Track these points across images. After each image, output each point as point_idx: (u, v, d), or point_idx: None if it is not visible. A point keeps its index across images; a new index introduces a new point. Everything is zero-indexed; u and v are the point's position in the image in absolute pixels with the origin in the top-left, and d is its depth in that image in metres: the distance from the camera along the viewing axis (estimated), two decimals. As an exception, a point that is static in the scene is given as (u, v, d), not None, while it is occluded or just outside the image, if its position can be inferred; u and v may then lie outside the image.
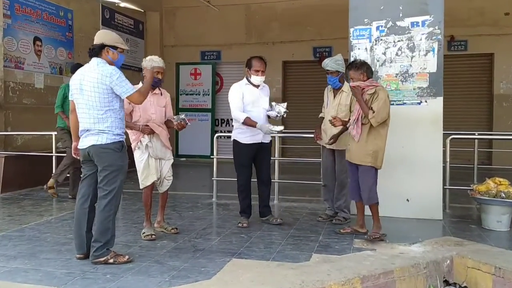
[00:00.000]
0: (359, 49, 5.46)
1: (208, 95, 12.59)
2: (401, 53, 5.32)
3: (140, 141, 4.41)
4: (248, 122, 4.82)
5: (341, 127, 4.80)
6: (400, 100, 5.34)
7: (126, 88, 3.63)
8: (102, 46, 3.67)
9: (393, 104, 5.28)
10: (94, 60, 3.68)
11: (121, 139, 3.70)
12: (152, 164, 4.44)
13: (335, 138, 4.94)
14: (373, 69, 5.31)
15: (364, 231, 4.55)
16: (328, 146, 5.10)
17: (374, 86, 4.42)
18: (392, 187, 5.18)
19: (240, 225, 4.92)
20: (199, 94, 12.68)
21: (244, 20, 12.23)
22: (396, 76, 5.35)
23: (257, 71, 4.92)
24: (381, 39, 5.38)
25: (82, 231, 3.72)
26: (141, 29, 12.25)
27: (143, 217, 4.63)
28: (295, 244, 4.27)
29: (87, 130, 3.66)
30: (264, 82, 5.08)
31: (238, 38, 12.18)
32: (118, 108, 3.68)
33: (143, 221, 4.62)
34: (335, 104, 5.06)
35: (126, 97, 3.66)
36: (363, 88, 4.41)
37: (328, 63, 4.98)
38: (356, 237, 4.45)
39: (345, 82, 5.06)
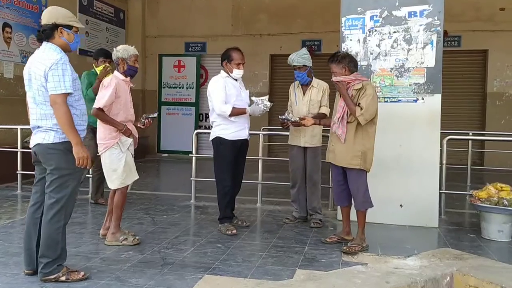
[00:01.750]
0: (351, 40, 5.00)
1: (192, 88, 12.07)
2: (397, 45, 4.88)
3: (121, 141, 3.99)
4: (236, 112, 4.48)
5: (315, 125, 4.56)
6: (394, 97, 4.91)
7: (57, 83, 2.98)
8: (55, 27, 3.11)
9: (387, 101, 4.90)
10: (43, 45, 3.14)
11: None
12: (132, 163, 4.10)
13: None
14: (366, 63, 4.94)
15: (350, 238, 4.19)
16: (302, 144, 4.80)
17: (360, 81, 3.99)
18: (385, 192, 4.78)
19: (229, 232, 4.46)
20: (182, 88, 12.14)
21: (231, 11, 11.71)
22: (391, 71, 4.91)
23: (239, 64, 4.57)
24: (376, 30, 4.93)
25: (31, 244, 3.21)
26: (122, 18, 11.64)
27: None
28: (277, 256, 3.81)
29: (37, 127, 3.14)
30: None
31: (224, 30, 11.66)
32: (73, 102, 3.11)
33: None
34: (306, 101, 4.78)
35: (50, 94, 3.00)
36: (349, 83, 3.98)
37: (294, 58, 4.69)
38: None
39: (313, 77, 4.81)
